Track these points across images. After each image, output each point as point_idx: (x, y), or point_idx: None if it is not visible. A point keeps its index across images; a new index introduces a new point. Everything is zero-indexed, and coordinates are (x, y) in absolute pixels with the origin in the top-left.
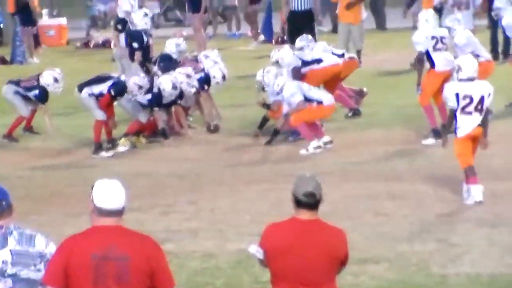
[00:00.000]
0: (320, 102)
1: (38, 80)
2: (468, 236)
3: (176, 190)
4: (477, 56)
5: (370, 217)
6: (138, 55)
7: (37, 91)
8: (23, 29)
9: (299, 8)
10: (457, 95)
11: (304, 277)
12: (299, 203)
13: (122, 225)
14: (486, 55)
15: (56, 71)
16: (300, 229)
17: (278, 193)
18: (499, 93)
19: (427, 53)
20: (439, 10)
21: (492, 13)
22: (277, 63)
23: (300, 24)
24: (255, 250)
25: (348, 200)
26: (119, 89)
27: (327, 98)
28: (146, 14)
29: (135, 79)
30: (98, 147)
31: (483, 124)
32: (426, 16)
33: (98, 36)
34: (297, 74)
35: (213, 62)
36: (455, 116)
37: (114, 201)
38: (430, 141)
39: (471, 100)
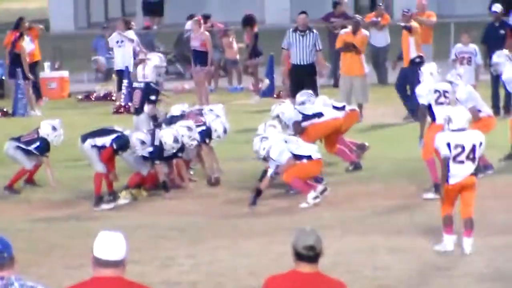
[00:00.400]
0: (309, 158)
1: (37, 132)
2: None
3: (176, 243)
4: (479, 111)
5: (369, 270)
6: (151, 107)
7: (38, 143)
8: (24, 82)
9: (301, 62)
10: (448, 144)
11: None
12: (299, 256)
13: (123, 277)
14: (487, 110)
15: (54, 121)
16: (301, 282)
17: (278, 247)
18: (498, 148)
19: (429, 106)
20: (418, 63)
21: (491, 69)
22: (277, 117)
23: (302, 78)
24: None
25: (348, 254)
26: (122, 143)
27: (315, 152)
28: (156, 67)
29: (138, 135)
30: (99, 200)
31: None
32: (430, 69)
33: (100, 89)
34: (298, 128)
35: (215, 116)
36: (448, 165)
37: (112, 252)
38: (431, 195)
39: (463, 149)
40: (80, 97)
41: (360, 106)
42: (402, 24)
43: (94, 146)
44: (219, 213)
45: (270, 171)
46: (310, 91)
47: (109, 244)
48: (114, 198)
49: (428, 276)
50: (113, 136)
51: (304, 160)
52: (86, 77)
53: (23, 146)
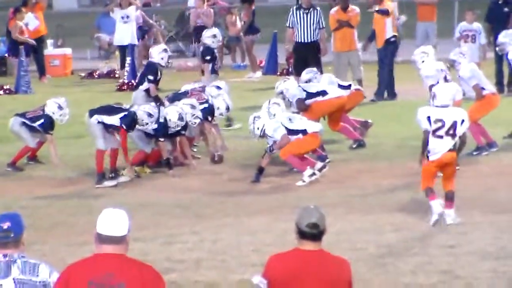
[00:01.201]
0: (304, 132)
1: (43, 110)
2: (473, 268)
3: (180, 220)
4: (482, 89)
5: (373, 248)
6: (153, 88)
7: (42, 120)
8: (27, 59)
9: (305, 40)
10: (428, 118)
11: None
12: (302, 234)
13: (125, 254)
14: (491, 88)
15: (60, 99)
16: (304, 259)
17: (282, 224)
18: (503, 126)
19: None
20: (393, 43)
21: (497, 48)
22: (281, 94)
23: (306, 55)
24: (259, 280)
25: (352, 232)
26: (130, 121)
27: (310, 126)
28: (165, 50)
29: (145, 107)
30: (101, 177)
31: (459, 148)
32: (427, 50)
33: (103, 66)
34: (302, 105)
35: (217, 93)
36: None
37: (114, 229)
38: None
39: (443, 124)
40: (83, 74)
41: (359, 81)
42: (376, 8)
43: (101, 122)
44: (223, 190)
45: (268, 144)
46: (315, 69)
47: (112, 220)
48: (116, 176)
49: (432, 254)
50: (121, 115)
51: (300, 135)
52: (89, 55)
53: (28, 122)
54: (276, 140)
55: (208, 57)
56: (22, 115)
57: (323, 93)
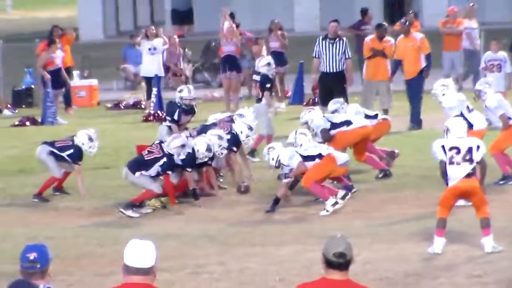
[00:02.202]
0: (320, 156)
1: (72, 140)
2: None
3: (206, 250)
4: (509, 118)
5: (400, 278)
6: (174, 127)
7: (71, 151)
8: (53, 91)
9: (331, 70)
10: (443, 147)
11: None
12: (329, 263)
13: (152, 284)
14: None
15: (90, 130)
16: None
17: (308, 254)
18: None
19: (461, 115)
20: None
21: None
22: (306, 124)
23: (331, 85)
24: None
25: (379, 261)
26: (170, 165)
27: (324, 150)
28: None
29: (175, 142)
30: (132, 206)
31: (481, 172)
32: (446, 82)
33: (129, 97)
34: (326, 136)
35: (239, 119)
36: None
37: (142, 260)
38: (461, 202)
39: (458, 150)
40: (109, 105)
41: (386, 111)
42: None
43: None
44: (249, 220)
45: (284, 177)
46: (342, 100)
47: (139, 252)
48: (140, 206)
49: (459, 283)
50: (160, 162)
51: (316, 160)
52: (115, 86)
53: (57, 152)
54: (293, 168)
55: (268, 85)
56: (51, 144)
57: (348, 123)
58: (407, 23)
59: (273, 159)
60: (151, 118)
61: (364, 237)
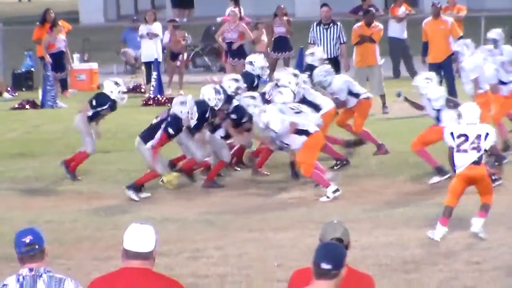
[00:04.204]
0: (307, 133)
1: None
2: (498, 284)
3: (205, 235)
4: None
5: (398, 264)
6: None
7: (108, 103)
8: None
9: (327, 56)
10: (451, 134)
11: None
12: None
13: (151, 268)
14: (486, 87)
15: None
16: None
17: (307, 239)
18: None
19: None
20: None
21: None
22: (276, 84)
23: None
24: None
25: (377, 247)
26: (173, 125)
27: (312, 125)
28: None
29: (176, 100)
30: (139, 188)
31: (496, 160)
32: (430, 76)
33: (129, 81)
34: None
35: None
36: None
37: (141, 244)
38: (436, 179)
39: (466, 138)
40: None
41: (382, 96)
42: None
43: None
44: (248, 205)
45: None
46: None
47: (139, 236)
48: (140, 189)
49: (458, 270)
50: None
51: (304, 136)
52: (115, 69)
53: (96, 109)
54: (282, 132)
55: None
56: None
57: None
58: (439, 4)
59: (263, 122)
60: (151, 102)
61: (363, 222)
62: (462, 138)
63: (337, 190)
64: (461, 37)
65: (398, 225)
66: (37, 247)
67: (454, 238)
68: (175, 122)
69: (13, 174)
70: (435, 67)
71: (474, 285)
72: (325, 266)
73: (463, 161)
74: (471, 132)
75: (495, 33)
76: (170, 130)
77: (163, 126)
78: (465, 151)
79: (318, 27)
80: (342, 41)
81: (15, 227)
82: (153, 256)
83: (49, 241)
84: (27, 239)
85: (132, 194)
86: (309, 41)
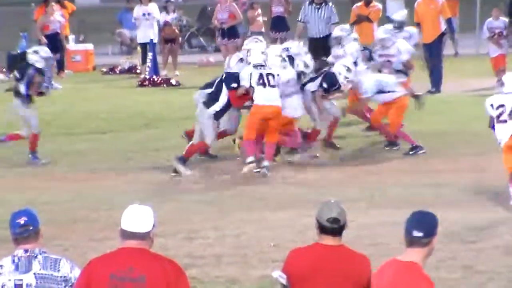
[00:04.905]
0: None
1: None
2: (495, 263)
3: (202, 216)
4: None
5: (395, 244)
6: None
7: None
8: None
9: (317, 35)
10: (492, 106)
11: None
12: (322, 229)
13: (148, 249)
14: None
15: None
16: (323, 254)
17: (304, 220)
18: None
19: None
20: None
21: None
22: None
23: (318, 50)
24: (278, 275)
25: (373, 227)
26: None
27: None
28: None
29: (234, 59)
30: (183, 160)
31: None
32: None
33: (124, 62)
34: None
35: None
36: (493, 126)
37: (137, 224)
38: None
39: (504, 108)
40: (104, 70)
41: None
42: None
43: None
44: (246, 186)
45: None
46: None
47: (136, 216)
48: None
49: (455, 249)
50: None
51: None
52: (110, 50)
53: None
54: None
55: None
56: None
57: None
58: None
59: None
60: (146, 83)
61: (359, 202)
62: (501, 109)
63: (251, 162)
64: (450, 18)
65: (395, 205)
66: (31, 228)
67: (450, 218)
68: (232, 77)
69: (9, 156)
70: (426, 48)
71: (472, 264)
72: (416, 233)
73: (504, 132)
74: (508, 101)
75: (400, 15)
76: (234, 85)
77: (224, 85)
78: (505, 121)
79: (310, 6)
80: (333, 21)
81: (11, 209)
82: (150, 237)
83: (45, 222)
84: (22, 220)
85: (180, 167)
86: (299, 19)
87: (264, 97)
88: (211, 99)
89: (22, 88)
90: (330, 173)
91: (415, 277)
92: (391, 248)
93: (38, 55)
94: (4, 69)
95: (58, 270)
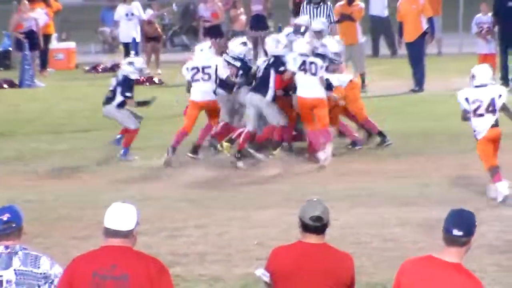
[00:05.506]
0: None
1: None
2: (478, 262)
3: (185, 214)
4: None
5: (378, 242)
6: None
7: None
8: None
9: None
10: (466, 99)
11: None
12: (305, 227)
13: (132, 247)
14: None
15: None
16: (306, 253)
17: (287, 218)
18: None
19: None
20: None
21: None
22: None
23: None
24: (261, 273)
25: (357, 226)
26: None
27: None
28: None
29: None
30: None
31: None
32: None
33: (107, 60)
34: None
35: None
36: (469, 119)
37: (120, 223)
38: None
39: (481, 103)
40: (87, 68)
41: (362, 75)
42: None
43: None
44: (230, 184)
45: None
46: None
47: (119, 214)
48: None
49: (439, 248)
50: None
51: None
52: (93, 49)
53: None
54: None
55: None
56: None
57: None
58: None
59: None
60: None
61: (343, 201)
62: (478, 103)
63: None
64: (431, 17)
65: (379, 203)
66: (14, 225)
67: (434, 216)
68: (279, 61)
69: None
70: (407, 46)
71: None
72: (456, 232)
73: (481, 125)
74: (485, 96)
75: (320, 23)
76: (282, 68)
77: (271, 70)
78: (482, 115)
79: (308, 6)
80: (332, 21)
81: None
82: (133, 235)
83: (28, 220)
84: (5, 217)
85: (256, 154)
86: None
87: (305, 86)
88: (262, 86)
89: (118, 96)
90: (314, 172)
91: (468, 279)
92: (374, 246)
93: (133, 66)
94: None
95: (38, 267)
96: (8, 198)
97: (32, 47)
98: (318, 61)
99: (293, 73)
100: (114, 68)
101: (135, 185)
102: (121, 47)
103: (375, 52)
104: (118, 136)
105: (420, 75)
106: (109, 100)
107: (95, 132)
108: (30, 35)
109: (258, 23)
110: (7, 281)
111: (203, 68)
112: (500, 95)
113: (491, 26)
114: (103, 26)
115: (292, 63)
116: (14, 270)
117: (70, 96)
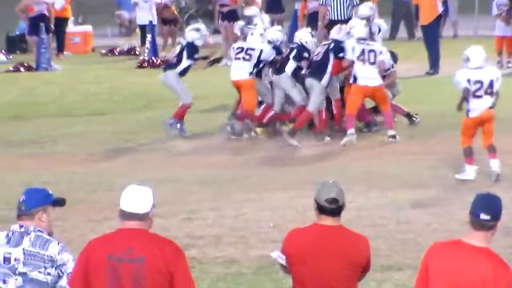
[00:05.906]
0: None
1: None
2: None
3: (201, 197)
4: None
5: (393, 225)
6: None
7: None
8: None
9: (338, 18)
10: (468, 80)
11: (325, 282)
12: (321, 209)
13: (147, 229)
14: None
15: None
16: (322, 235)
17: (303, 200)
18: None
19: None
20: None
21: None
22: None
23: None
24: (277, 255)
25: (372, 208)
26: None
27: None
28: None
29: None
30: (294, 133)
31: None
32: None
33: (123, 43)
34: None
35: None
36: (467, 99)
37: (136, 205)
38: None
39: (482, 84)
40: (103, 51)
41: None
42: None
43: None
44: (246, 166)
45: None
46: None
47: (135, 197)
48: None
49: (452, 229)
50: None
51: None
52: (109, 32)
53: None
54: None
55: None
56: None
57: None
58: None
59: None
60: (145, 64)
61: (358, 183)
62: (478, 85)
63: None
64: (446, 1)
65: (393, 186)
66: (23, 208)
67: (449, 199)
68: (339, 47)
69: (9, 136)
70: (423, 29)
71: None
72: (484, 216)
73: (479, 106)
74: (485, 77)
75: (368, 8)
76: (341, 54)
77: (330, 55)
78: (480, 96)
79: None
80: (355, 3)
81: (9, 189)
82: (149, 217)
83: None
84: (21, 198)
85: (291, 140)
86: (320, 3)
87: (364, 76)
88: (320, 71)
89: (184, 62)
90: (330, 155)
91: (498, 264)
92: (389, 229)
93: (200, 32)
94: (3, 51)
95: (46, 249)
96: (22, 181)
97: (46, 30)
98: (377, 46)
99: (352, 62)
100: (131, 51)
101: (150, 167)
102: (138, 30)
103: (393, 35)
104: (172, 121)
105: (435, 57)
106: (171, 66)
107: (111, 115)
108: (41, 19)
109: (273, 6)
110: (15, 259)
111: (247, 49)
112: (498, 78)
113: (510, 9)
114: (119, 9)
115: (350, 52)
116: (23, 249)
117: (86, 80)
